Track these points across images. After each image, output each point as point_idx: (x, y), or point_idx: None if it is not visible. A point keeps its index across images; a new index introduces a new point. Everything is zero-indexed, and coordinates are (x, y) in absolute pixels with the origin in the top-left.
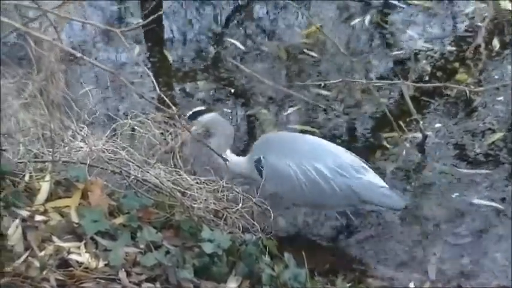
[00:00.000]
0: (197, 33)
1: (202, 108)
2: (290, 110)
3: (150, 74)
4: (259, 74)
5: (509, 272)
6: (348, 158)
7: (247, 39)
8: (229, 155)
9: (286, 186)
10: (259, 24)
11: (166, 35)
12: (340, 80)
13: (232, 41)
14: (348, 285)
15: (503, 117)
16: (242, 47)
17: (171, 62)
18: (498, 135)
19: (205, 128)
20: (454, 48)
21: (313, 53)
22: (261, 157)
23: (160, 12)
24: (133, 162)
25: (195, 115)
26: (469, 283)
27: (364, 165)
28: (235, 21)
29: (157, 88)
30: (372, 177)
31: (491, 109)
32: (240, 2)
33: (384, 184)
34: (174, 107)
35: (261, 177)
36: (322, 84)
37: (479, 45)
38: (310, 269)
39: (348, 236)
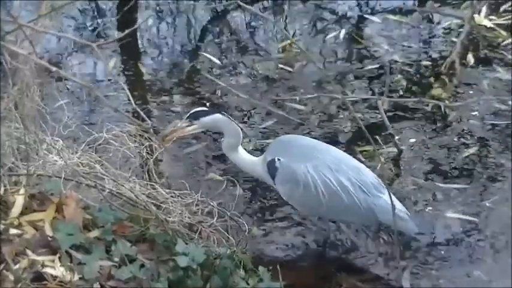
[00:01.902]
0: (172, 47)
1: (205, 108)
2: (265, 124)
3: (125, 87)
4: (234, 88)
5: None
6: (369, 175)
7: (223, 53)
8: (241, 152)
9: (300, 192)
10: (234, 38)
11: (141, 48)
12: (316, 95)
13: (207, 55)
14: None
15: (477, 132)
16: (217, 61)
17: (145, 75)
18: (472, 149)
19: (207, 129)
20: (429, 63)
21: (288, 67)
22: (276, 159)
23: (135, 26)
24: (108, 176)
25: (197, 115)
26: None
27: (382, 184)
28: (211, 35)
29: (132, 101)
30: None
31: (465, 124)
32: (215, 15)
33: (401, 206)
34: (148, 121)
35: (273, 179)
36: (298, 99)
37: (454, 61)
38: (285, 285)
39: (323, 251)
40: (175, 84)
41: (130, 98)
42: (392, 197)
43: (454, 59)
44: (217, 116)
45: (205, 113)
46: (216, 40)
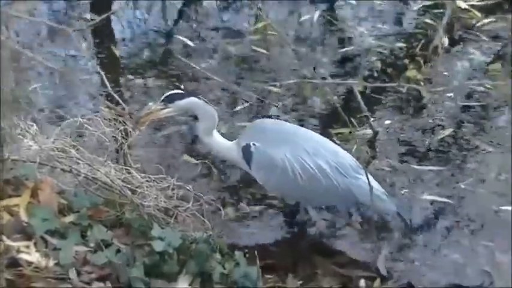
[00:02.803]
0: (146, 29)
1: (180, 91)
2: (239, 107)
3: (101, 71)
4: (208, 71)
5: (459, 269)
6: (347, 157)
7: (197, 36)
8: (216, 136)
9: (277, 177)
10: (208, 20)
11: (115, 31)
12: (296, 80)
13: (182, 38)
14: (299, 283)
15: (452, 114)
16: (191, 44)
17: (119, 58)
18: (447, 131)
19: (182, 112)
20: (404, 45)
21: (262, 50)
22: (251, 143)
23: (112, 12)
24: (83, 161)
25: (172, 98)
26: (419, 280)
27: (360, 166)
28: (185, 18)
29: (108, 85)
30: (368, 179)
31: (441, 105)
32: None
33: (379, 187)
34: (124, 105)
35: (248, 164)
36: (279, 84)
37: (437, 46)
38: (261, 267)
39: (300, 235)
40: (150, 67)
41: (105, 81)
42: (370, 177)
43: (438, 43)
44: (193, 99)
45: (180, 96)
46: (191, 23)
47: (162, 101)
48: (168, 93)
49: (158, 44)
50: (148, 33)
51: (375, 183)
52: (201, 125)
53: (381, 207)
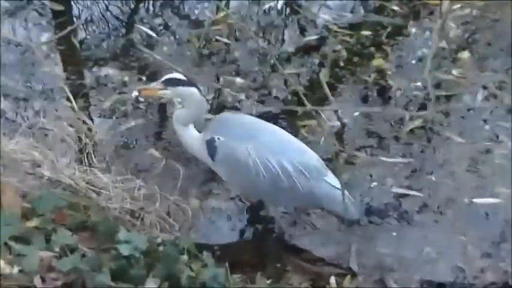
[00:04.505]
0: (107, 20)
1: (184, 78)
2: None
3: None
4: (170, 61)
5: (432, 265)
6: (312, 158)
7: (158, 26)
8: (190, 128)
9: (240, 174)
10: (170, 10)
11: (75, 21)
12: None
13: (143, 28)
14: (268, 281)
15: (421, 104)
16: (153, 34)
17: (79, 50)
18: (417, 122)
19: (175, 97)
20: (369, 33)
21: (225, 39)
22: (216, 137)
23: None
24: (45, 163)
25: (175, 83)
26: (391, 276)
27: (325, 166)
28: (146, 7)
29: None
30: (332, 181)
31: (409, 95)
32: None
33: (344, 191)
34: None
35: (212, 158)
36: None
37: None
38: (230, 265)
39: (265, 231)
40: (111, 58)
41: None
42: (336, 182)
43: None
44: (194, 91)
45: (183, 83)
46: (151, 13)
47: (163, 82)
48: (170, 76)
49: (119, 35)
50: (110, 23)
51: (339, 187)
52: (182, 113)
53: (344, 213)
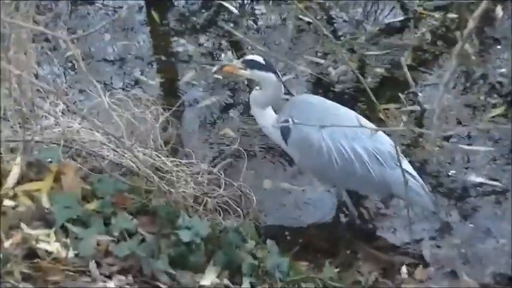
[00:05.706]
0: None
1: (262, 61)
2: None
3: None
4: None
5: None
6: (387, 144)
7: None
8: (267, 110)
9: (313, 159)
10: None
11: None
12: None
13: (225, 3)
14: (336, 270)
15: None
16: (235, 11)
17: (159, 24)
18: (499, 110)
19: (252, 78)
20: (455, 16)
21: (308, 19)
22: (290, 120)
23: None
24: (108, 146)
25: (254, 66)
26: (464, 268)
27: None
28: None
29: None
30: (407, 168)
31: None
32: None
33: (419, 180)
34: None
35: (285, 141)
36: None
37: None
38: (296, 252)
39: (337, 217)
40: (189, 33)
41: None
42: (411, 169)
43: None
44: (272, 76)
45: (262, 67)
46: None
47: (244, 62)
48: (250, 58)
49: (200, 10)
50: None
51: (415, 175)
52: (259, 95)
53: (417, 203)
